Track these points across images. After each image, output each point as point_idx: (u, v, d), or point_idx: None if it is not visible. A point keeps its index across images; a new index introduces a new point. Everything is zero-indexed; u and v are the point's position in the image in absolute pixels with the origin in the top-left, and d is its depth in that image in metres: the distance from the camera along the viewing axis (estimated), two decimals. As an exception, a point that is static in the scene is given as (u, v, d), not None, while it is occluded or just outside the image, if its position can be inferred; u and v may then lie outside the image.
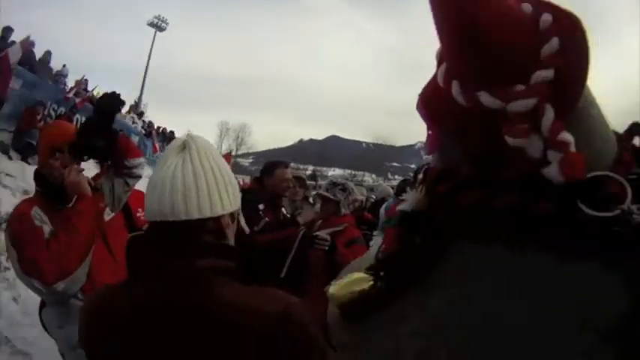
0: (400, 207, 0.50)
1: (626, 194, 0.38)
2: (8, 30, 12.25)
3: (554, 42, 0.38)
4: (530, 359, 0.39)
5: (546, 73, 0.37)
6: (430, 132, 0.48)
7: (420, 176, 0.50)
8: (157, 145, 20.82)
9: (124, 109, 21.18)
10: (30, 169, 10.04)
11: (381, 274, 0.47)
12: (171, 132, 26.99)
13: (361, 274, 0.49)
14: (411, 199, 0.48)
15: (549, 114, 0.37)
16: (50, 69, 14.40)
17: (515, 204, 0.38)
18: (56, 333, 2.35)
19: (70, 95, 14.01)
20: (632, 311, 0.38)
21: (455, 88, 0.40)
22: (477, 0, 0.36)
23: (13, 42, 11.35)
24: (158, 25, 38.39)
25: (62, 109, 13.41)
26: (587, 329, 0.37)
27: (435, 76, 0.45)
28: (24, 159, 10.30)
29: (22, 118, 10.86)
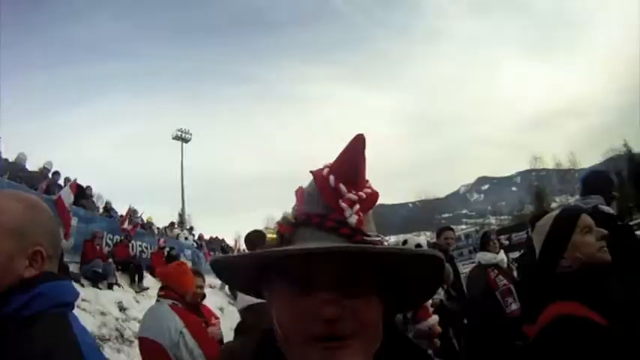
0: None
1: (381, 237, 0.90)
2: (57, 174, 13.46)
3: (369, 189, 0.88)
4: None
5: (362, 194, 0.85)
6: (298, 206, 0.92)
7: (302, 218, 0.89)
8: (209, 253, 21.32)
9: (172, 225, 21.99)
10: (102, 294, 10.79)
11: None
12: (222, 239, 27.70)
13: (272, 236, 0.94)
14: (288, 215, 0.92)
15: (357, 205, 0.83)
16: (93, 202, 15.34)
17: (333, 226, 0.82)
18: None
19: (125, 225, 14.86)
20: None
21: (331, 179, 0.85)
22: (362, 156, 0.87)
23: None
24: (183, 137, 40.01)
25: (117, 237, 14.22)
26: None
27: (321, 173, 0.88)
28: (94, 285, 11.02)
29: (84, 250, 11.67)
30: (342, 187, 0.84)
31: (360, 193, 0.86)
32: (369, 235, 0.84)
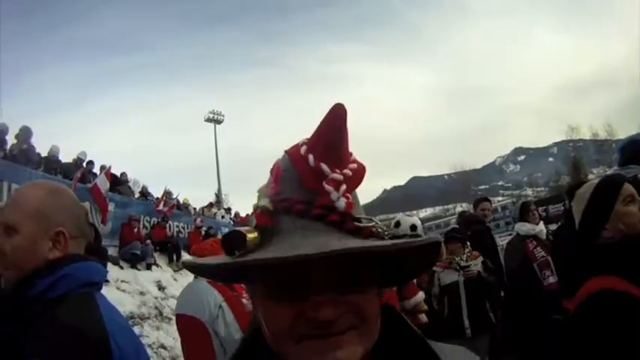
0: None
1: (373, 222, 0.76)
2: (91, 163, 13.84)
3: (354, 165, 0.78)
4: None
5: (347, 172, 0.76)
6: (274, 184, 0.79)
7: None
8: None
9: (210, 205, 22.45)
10: (140, 274, 11.17)
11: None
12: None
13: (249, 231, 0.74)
14: (263, 203, 0.78)
15: (344, 185, 0.74)
16: (129, 187, 15.80)
17: (320, 213, 0.72)
18: None
19: (160, 207, 15.24)
20: None
21: (310, 158, 0.75)
22: (343, 130, 0.76)
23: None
24: (216, 119, 40.14)
25: (154, 219, 14.59)
26: None
27: (298, 151, 0.78)
28: (133, 267, 11.41)
29: (122, 233, 12.08)
30: (324, 166, 0.75)
31: (346, 170, 0.76)
32: (360, 220, 0.74)
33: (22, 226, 1.38)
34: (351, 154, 0.81)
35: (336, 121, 0.76)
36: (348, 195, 0.75)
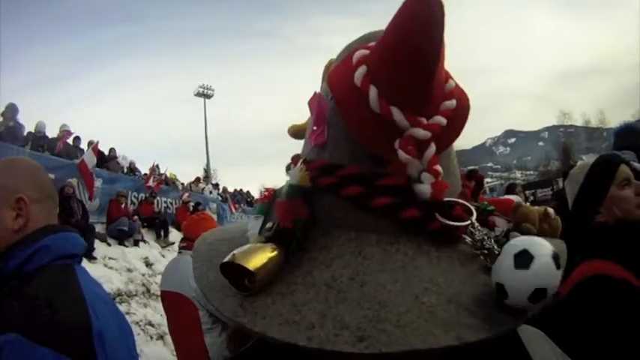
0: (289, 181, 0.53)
1: (470, 215, 0.49)
2: (77, 139, 13.59)
3: (451, 102, 0.49)
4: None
5: (441, 120, 0.47)
6: (316, 128, 0.53)
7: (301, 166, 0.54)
8: (235, 206, 21.82)
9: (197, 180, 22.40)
10: (128, 251, 11.14)
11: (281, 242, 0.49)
12: (247, 192, 28.12)
13: (256, 245, 0.48)
14: (294, 175, 0.52)
15: (432, 148, 0.47)
16: (118, 163, 15.59)
17: (388, 206, 0.46)
18: None
19: (149, 183, 15.10)
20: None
21: (372, 93, 0.45)
22: (437, 39, 0.43)
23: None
24: (205, 94, 39.90)
25: (142, 195, 14.50)
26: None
27: (348, 75, 0.48)
28: (121, 243, 11.34)
29: (109, 210, 11.96)
30: (398, 113, 0.45)
31: (438, 117, 0.47)
32: (452, 211, 0.49)
33: None
34: (446, 79, 0.51)
35: (424, 19, 0.43)
36: (438, 167, 0.48)
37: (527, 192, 20.51)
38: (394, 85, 0.45)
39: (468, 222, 0.48)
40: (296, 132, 0.88)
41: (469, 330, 0.40)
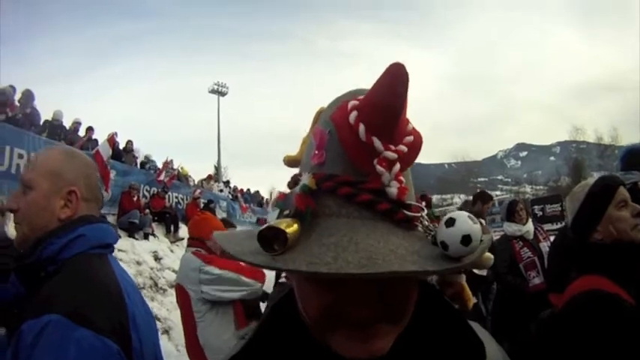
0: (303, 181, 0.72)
1: (422, 212, 0.70)
2: (78, 123, 13.79)
3: (410, 137, 0.70)
4: None
5: (403, 148, 0.68)
6: (317, 152, 0.73)
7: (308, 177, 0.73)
8: (245, 206, 21.88)
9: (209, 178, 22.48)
10: (138, 244, 11.19)
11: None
12: (257, 191, 28.14)
13: (283, 219, 0.67)
14: (304, 181, 0.71)
15: (397, 166, 0.68)
16: (133, 156, 15.81)
17: (369, 201, 0.67)
18: None
19: (161, 177, 15.23)
20: None
21: (361, 129, 0.67)
22: (403, 97, 0.66)
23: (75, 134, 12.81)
24: (220, 91, 40.03)
25: (154, 189, 14.65)
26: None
27: (345, 117, 0.70)
28: (130, 236, 11.48)
29: (121, 202, 12.11)
30: (377, 142, 0.66)
31: (401, 146, 0.68)
32: (410, 207, 0.69)
33: (36, 184, 1.44)
34: (407, 122, 0.72)
35: (395, 85, 0.65)
36: (401, 178, 0.69)
37: (535, 207, 20.36)
38: (375, 124, 0.67)
39: (420, 214, 0.70)
40: (291, 161, 1.12)
41: (428, 265, 0.61)
